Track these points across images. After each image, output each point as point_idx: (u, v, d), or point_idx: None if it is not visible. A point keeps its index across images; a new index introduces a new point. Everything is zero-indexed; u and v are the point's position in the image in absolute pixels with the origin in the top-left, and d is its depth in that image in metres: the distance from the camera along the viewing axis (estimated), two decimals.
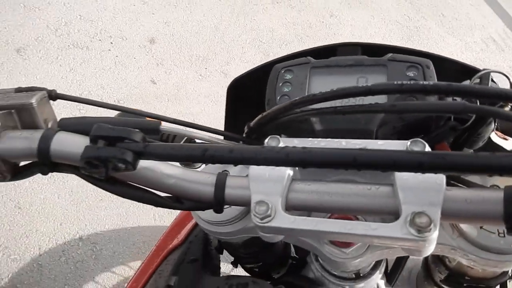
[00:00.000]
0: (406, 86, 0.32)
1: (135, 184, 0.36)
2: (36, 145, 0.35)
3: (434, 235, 0.27)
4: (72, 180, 1.65)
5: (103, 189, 0.36)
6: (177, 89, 2.03)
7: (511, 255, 0.37)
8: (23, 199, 1.58)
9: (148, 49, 2.12)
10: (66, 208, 1.59)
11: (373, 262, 0.44)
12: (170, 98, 1.99)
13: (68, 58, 1.97)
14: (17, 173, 0.38)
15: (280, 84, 0.47)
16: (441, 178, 0.28)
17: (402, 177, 0.29)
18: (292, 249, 0.58)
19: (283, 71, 0.47)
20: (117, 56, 2.05)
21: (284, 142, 0.34)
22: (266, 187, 0.32)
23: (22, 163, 0.38)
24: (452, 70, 0.49)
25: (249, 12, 2.45)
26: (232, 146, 0.31)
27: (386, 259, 0.50)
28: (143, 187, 0.36)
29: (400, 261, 0.55)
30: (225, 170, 0.39)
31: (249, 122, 0.43)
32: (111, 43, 2.09)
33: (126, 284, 0.56)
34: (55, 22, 2.09)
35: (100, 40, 2.08)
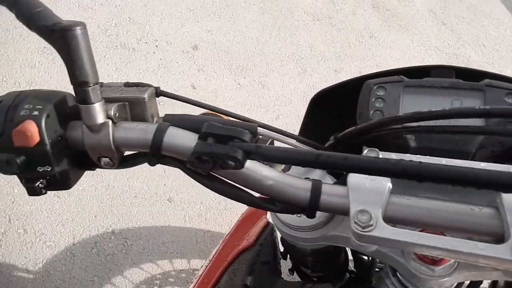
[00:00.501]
0: None
1: (231, 182, 0.37)
2: (151, 137, 0.37)
3: None
4: (109, 175, 1.68)
5: (202, 184, 0.38)
6: (215, 95, 2.05)
7: None
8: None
9: (190, 55, 2.16)
10: (101, 201, 1.62)
11: (455, 284, 0.42)
12: (208, 103, 2.00)
13: (115, 58, 2.02)
14: (124, 161, 0.40)
15: (373, 100, 0.47)
16: None
17: (510, 200, 0.29)
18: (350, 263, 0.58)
19: (375, 87, 0.48)
20: (161, 59, 2.09)
21: (382, 155, 0.34)
22: (367, 197, 0.32)
23: (127, 153, 0.40)
24: None
25: (290, 27, 2.47)
26: (346, 154, 0.31)
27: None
28: (238, 185, 0.37)
29: (475, 285, 0.54)
30: (307, 178, 0.39)
31: (336, 133, 0.44)
32: (156, 46, 2.14)
33: (195, 279, 0.56)
34: (106, 22, 2.15)
35: (146, 43, 2.13)
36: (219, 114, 0.52)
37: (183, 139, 0.37)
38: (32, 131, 0.35)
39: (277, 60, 2.28)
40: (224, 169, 0.34)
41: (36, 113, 0.36)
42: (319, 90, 0.57)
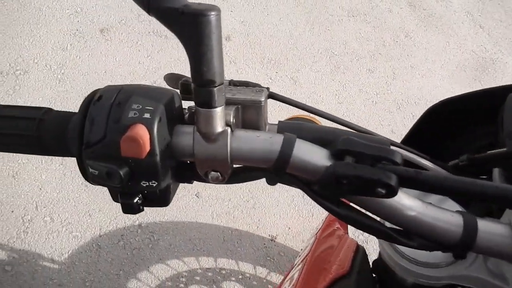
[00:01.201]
0: None
1: (362, 210, 0.31)
2: (276, 150, 0.30)
3: None
4: None
5: (329, 210, 0.31)
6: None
7: None
8: None
9: (223, 46, 2.06)
10: None
11: None
12: None
13: (147, 45, 1.94)
14: (234, 175, 0.33)
15: None
16: None
17: None
18: None
19: None
20: None
21: None
22: None
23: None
24: None
25: (324, 22, 2.35)
26: None
27: None
28: (369, 214, 0.31)
29: None
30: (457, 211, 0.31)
31: (469, 154, 0.36)
32: None
33: None
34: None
35: None
36: (314, 120, 0.45)
37: (313, 156, 0.30)
38: (144, 138, 0.28)
39: (310, 56, 2.18)
40: (368, 196, 0.28)
41: (147, 115, 0.29)
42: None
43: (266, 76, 2.03)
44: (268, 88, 0.36)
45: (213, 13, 0.27)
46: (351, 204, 0.32)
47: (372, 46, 2.32)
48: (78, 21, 1.90)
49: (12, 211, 1.42)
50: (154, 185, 0.30)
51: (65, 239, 1.41)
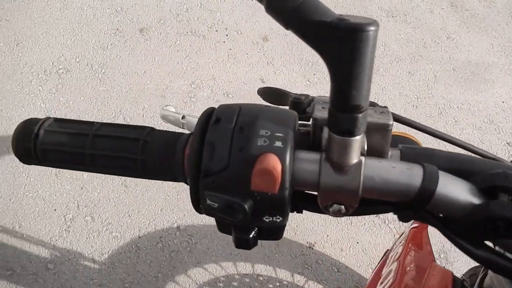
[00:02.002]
0: None
1: (507, 254, 0.26)
2: (418, 184, 0.26)
3: None
4: None
5: (467, 252, 0.26)
6: None
7: None
8: (129, 179, 1.53)
9: (260, 46, 2.01)
10: (168, 194, 1.52)
11: None
12: None
13: (185, 45, 1.90)
14: (360, 208, 0.28)
15: None
16: None
17: None
18: None
19: None
20: (230, 49, 1.96)
21: None
22: None
23: None
24: None
25: None
26: None
27: None
28: None
29: None
30: None
31: None
32: (227, 35, 2.00)
33: None
34: (178, 7, 2.03)
35: (216, 31, 2.00)
36: (414, 138, 0.41)
37: (460, 192, 0.25)
38: (278, 171, 0.24)
39: None
40: None
41: (278, 144, 0.25)
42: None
43: (304, 78, 1.96)
44: (386, 107, 0.31)
45: (372, 28, 0.22)
46: (491, 245, 0.27)
47: (412, 47, 2.22)
48: (118, 20, 1.89)
49: (55, 210, 1.41)
50: (278, 220, 0.27)
51: (105, 239, 1.39)
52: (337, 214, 0.28)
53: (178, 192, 1.53)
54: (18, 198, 1.41)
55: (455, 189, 0.26)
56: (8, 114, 1.57)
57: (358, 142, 0.25)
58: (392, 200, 0.27)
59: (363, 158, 0.26)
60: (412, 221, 0.61)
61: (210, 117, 0.28)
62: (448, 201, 0.26)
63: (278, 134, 0.25)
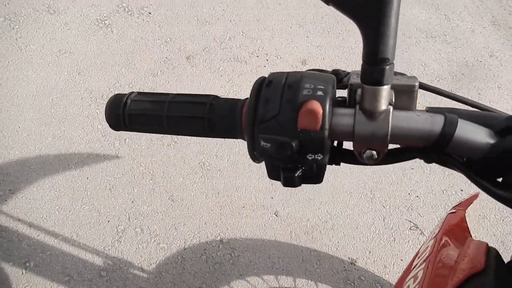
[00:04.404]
0: None
1: None
2: (438, 129, 0.31)
3: None
4: (219, 184, 1.66)
5: (486, 191, 0.30)
6: None
7: None
8: (176, 193, 1.62)
9: (299, 69, 2.10)
10: (211, 208, 1.59)
11: None
12: None
13: (228, 70, 2.03)
14: (389, 156, 0.34)
15: None
16: None
17: None
18: None
19: None
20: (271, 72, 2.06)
21: None
22: None
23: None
24: None
25: (401, 44, 2.30)
26: None
27: None
28: None
29: None
30: None
31: None
32: (267, 60, 2.11)
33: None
34: (221, 35, 2.17)
35: (257, 56, 2.12)
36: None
37: (477, 134, 0.30)
38: (320, 112, 0.30)
39: None
40: None
41: (320, 93, 0.31)
42: None
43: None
44: (414, 76, 0.37)
45: None
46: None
47: (454, 66, 2.21)
48: (167, 49, 2.05)
49: (108, 221, 1.52)
50: (319, 158, 0.32)
51: (153, 250, 1.48)
52: (370, 160, 0.33)
53: (221, 207, 1.60)
54: (76, 210, 1.54)
55: (472, 132, 0.31)
56: (69, 135, 1.73)
57: (387, 91, 0.31)
58: (418, 145, 0.32)
59: (391, 107, 0.32)
60: (451, 208, 0.64)
61: (263, 82, 0.34)
62: (466, 143, 0.30)
63: (319, 87, 0.32)
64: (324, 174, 0.35)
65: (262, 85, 0.34)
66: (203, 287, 1.41)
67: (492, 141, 0.30)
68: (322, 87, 0.32)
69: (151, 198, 1.60)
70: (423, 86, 0.39)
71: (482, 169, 0.30)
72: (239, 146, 1.77)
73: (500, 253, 0.45)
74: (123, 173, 1.65)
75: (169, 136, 1.77)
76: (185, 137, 1.77)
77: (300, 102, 0.31)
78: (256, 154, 0.34)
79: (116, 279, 1.40)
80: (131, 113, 0.37)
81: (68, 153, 1.68)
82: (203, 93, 0.39)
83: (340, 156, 0.36)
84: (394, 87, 0.35)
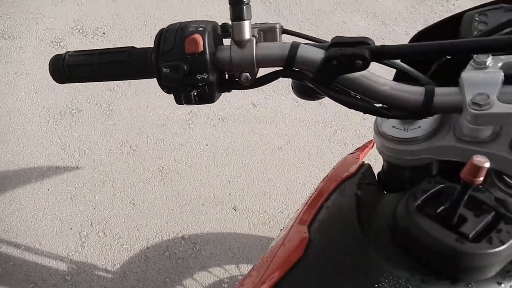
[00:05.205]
0: None
1: (353, 93, 0.41)
2: (286, 53, 0.42)
3: None
4: (178, 185, 1.74)
5: (327, 94, 0.41)
6: (275, 113, 2.10)
7: None
8: (137, 197, 1.69)
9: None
10: (172, 208, 1.67)
11: None
12: (268, 120, 2.06)
13: None
14: (259, 79, 0.45)
15: (475, 24, 0.48)
16: None
17: None
18: None
19: (477, 15, 0.48)
20: None
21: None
22: (481, 85, 0.35)
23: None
24: None
25: None
26: (469, 39, 0.33)
27: None
28: (359, 95, 0.40)
29: None
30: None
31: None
32: None
33: (299, 212, 0.56)
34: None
35: None
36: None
37: (313, 53, 0.41)
38: (200, 40, 0.41)
39: None
40: (351, 71, 0.38)
41: (201, 29, 0.42)
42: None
43: (292, 100, 2.16)
44: (279, 23, 0.50)
45: None
46: (344, 88, 0.42)
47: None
48: None
49: (71, 228, 1.57)
50: (206, 77, 0.42)
51: (117, 251, 1.53)
52: (246, 81, 0.44)
53: (182, 206, 1.68)
54: (38, 220, 1.58)
55: (310, 52, 0.41)
56: (29, 150, 1.78)
57: (248, 25, 0.42)
58: (277, 66, 0.43)
59: (254, 38, 0.43)
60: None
61: (163, 30, 0.45)
62: (305, 59, 0.41)
63: (201, 26, 0.43)
64: (215, 95, 0.45)
65: (162, 31, 0.45)
66: (167, 281, 1.48)
67: (322, 55, 0.41)
68: (203, 25, 0.43)
69: (112, 204, 1.66)
70: (286, 31, 0.51)
71: (320, 77, 0.42)
72: (197, 149, 1.87)
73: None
74: (83, 182, 1.71)
75: (127, 144, 1.85)
76: (143, 144, 1.85)
77: (187, 35, 0.42)
78: (163, 82, 0.44)
79: (81, 281, 1.44)
80: (69, 64, 0.47)
81: (28, 168, 1.73)
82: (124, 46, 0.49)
83: (228, 84, 0.47)
84: (260, 28, 0.47)
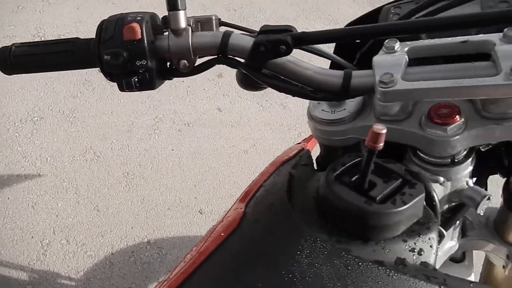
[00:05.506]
0: None
1: (283, 78, 0.45)
2: (219, 40, 0.45)
3: None
4: (143, 190, 1.74)
5: (260, 80, 0.45)
6: (240, 117, 2.13)
7: None
8: (101, 203, 1.68)
9: (216, 82, 2.27)
10: (137, 214, 1.67)
11: (466, 151, 0.45)
12: (234, 124, 2.09)
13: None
14: (197, 67, 0.48)
15: (391, 16, 0.54)
16: None
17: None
18: None
19: (392, 8, 0.55)
20: (189, 87, 2.20)
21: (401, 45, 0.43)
22: (388, 66, 0.41)
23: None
24: None
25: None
26: (377, 24, 0.38)
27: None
28: (289, 80, 0.45)
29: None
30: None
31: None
32: None
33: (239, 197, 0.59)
34: None
35: None
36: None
37: (244, 41, 0.45)
38: (137, 28, 0.44)
39: None
40: (277, 56, 0.42)
41: (138, 18, 0.45)
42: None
43: (257, 104, 2.20)
44: (216, 16, 0.53)
45: None
46: (275, 74, 0.46)
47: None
48: (86, 72, 2.13)
49: (32, 237, 1.54)
50: (144, 63, 0.44)
51: (81, 259, 1.51)
52: (185, 68, 0.47)
53: (147, 211, 1.68)
54: None
55: (241, 40, 0.45)
56: None
57: (183, 15, 0.45)
58: (212, 54, 0.46)
59: (189, 27, 0.46)
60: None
61: (105, 20, 0.48)
62: (238, 47, 0.45)
63: (139, 15, 0.46)
64: (155, 82, 0.47)
65: (104, 21, 0.48)
66: (132, 286, 1.47)
67: (251, 43, 0.44)
68: (141, 15, 0.46)
69: (76, 211, 1.64)
70: (223, 23, 0.54)
71: (251, 63, 0.45)
72: (163, 154, 1.88)
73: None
74: (45, 190, 1.68)
75: (91, 151, 1.84)
76: (108, 151, 1.85)
77: (125, 23, 0.45)
78: (105, 69, 0.46)
79: None
80: (15, 55, 0.48)
81: None
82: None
83: (168, 71, 0.49)
84: (197, 19, 0.51)
